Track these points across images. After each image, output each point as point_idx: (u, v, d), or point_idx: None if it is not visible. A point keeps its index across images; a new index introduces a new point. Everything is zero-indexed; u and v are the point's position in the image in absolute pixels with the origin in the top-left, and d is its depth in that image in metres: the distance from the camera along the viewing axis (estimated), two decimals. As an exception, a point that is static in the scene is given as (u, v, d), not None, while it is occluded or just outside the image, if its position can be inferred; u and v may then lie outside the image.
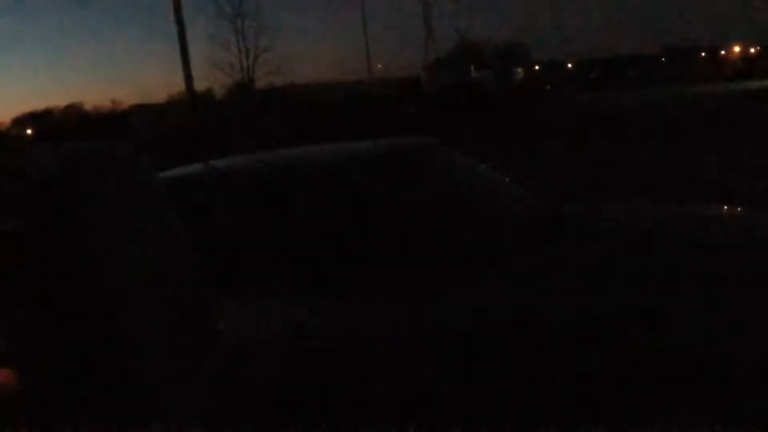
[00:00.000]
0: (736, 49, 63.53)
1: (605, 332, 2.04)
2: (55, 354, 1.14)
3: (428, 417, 2.08)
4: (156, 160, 1.86)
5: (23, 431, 1.17)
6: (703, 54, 64.30)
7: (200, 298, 1.62)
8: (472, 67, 50.39)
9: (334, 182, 2.73)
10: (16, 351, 1.15)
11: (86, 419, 1.19)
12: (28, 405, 1.18)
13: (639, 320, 2.05)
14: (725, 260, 2.36)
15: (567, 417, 1.90)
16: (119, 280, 1.14)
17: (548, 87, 41.59)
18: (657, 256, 2.48)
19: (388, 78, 50.10)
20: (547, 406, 1.96)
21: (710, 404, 1.84)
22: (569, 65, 71.66)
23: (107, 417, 1.22)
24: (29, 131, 48.38)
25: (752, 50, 61.93)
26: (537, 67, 64.41)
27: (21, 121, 54.70)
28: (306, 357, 2.33)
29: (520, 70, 53.48)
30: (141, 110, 40.98)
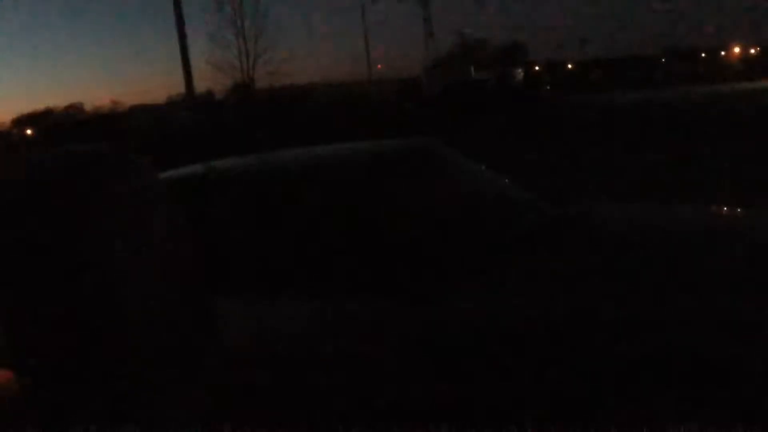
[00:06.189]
0: (737, 50, 63.54)
1: (606, 334, 2.04)
2: (55, 354, 1.14)
3: (428, 419, 2.08)
4: (156, 161, 1.87)
5: (23, 431, 1.17)
6: (703, 55, 64.29)
7: (200, 300, 1.62)
8: (472, 68, 50.40)
9: (333, 183, 2.73)
10: (15, 351, 1.15)
11: (86, 420, 1.19)
12: (28, 405, 1.18)
13: (640, 322, 2.05)
14: (725, 261, 2.36)
15: (568, 419, 1.90)
16: (119, 281, 1.14)
17: (548, 87, 41.60)
18: (657, 257, 2.48)
19: (389, 78, 50.18)
20: (548, 408, 1.96)
21: (710, 405, 1.84)
22: (569, 66, 71.62)
23: (107, 418, 1.22)
24: (29, 131, 48.34)
25: (752, 51, 61.94)
26: (537, 68, 64.37)
27: (21, 121, 54.73)
28: (305, 358, 2.33)
29: (520, 70, 53.47)
30: (141, 110, 41.03)
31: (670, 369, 1.90)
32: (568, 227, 2.92)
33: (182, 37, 12.86)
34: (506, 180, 3.55)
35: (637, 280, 2.28)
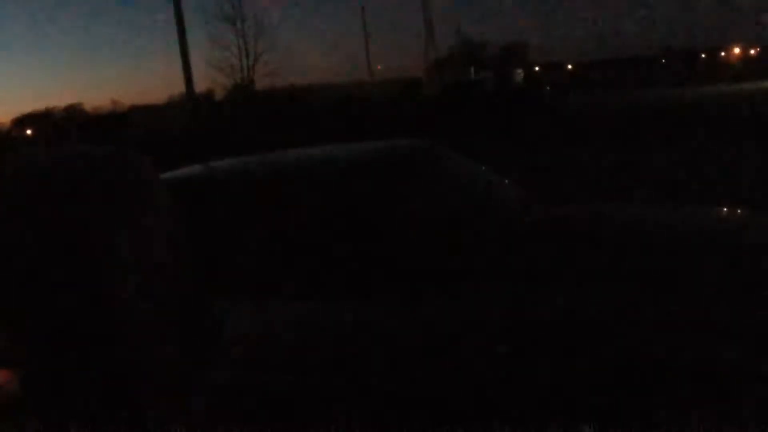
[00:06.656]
0: (736, 50, 63.53)
1: (600, 334, 2.04)
2: (55, 355, 1.14)
3: (427, 418, 2.08)
4: (156, 161, 1.87)
5: (23, 431, 1.18)
6: (703, 55, 64.29)
7: (201, 301, 1.63)
8: (472, 68, 50.45)
9: (331, 184, 2.74)
10: (16, 352, 1.15)
11: (86, 420, 1.19)
12: (28, 405, 1.19)
13: (636, 322, 2.05)
14: (724, 262, 2.36)
15: (565, 418, 1.91)
16: (120, 281, 1.14)
17: (548, 88, 41.67)
18: (653, 257, 2.48)
19: (389, 79, 50.19)
20: (543, 409, 1.96)
21: (710, 405, 1.84)
22: (569, 66, 71.65)
23: (106, 418, 1.22)
24: (29, 132, 48.34)
25: (752, 51, 61.93)
26: (537, 68, 64.39)
27: (21, 122, 54.72)
28: (306, 360, 2.34)
29: (520, 71, 53.49)
30: (141, 111, 41.02)
31: (668, 369, 1.91)
32: (565, 227, 2.92)
33: (182, 37, 12.86)
34: (505, 180, 3.56)
35: (633, 280, 2.28)
